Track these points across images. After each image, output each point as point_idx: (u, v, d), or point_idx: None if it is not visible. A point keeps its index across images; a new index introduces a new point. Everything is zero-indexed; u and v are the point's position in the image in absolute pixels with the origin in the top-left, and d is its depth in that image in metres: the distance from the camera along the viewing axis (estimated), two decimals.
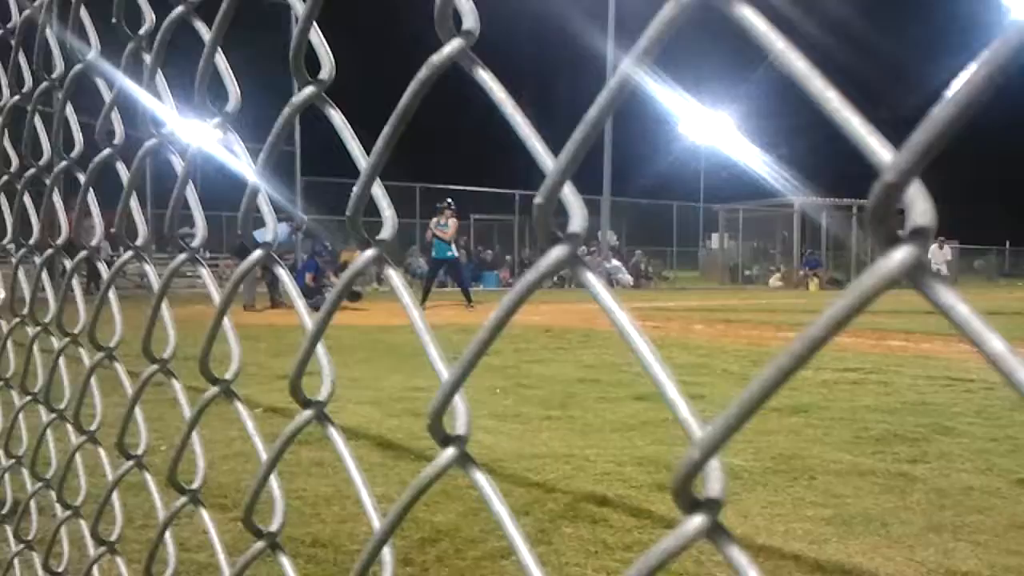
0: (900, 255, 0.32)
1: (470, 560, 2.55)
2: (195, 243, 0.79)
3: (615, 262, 28.73)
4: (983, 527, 2.93)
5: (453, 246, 16.09)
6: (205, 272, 0.83)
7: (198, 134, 0.75)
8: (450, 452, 0.55)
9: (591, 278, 0.45)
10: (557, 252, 0.44)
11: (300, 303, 0.72)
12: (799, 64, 0.35)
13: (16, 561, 1.43)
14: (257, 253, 0.73)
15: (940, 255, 28.48)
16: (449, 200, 16.27)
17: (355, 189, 0.57)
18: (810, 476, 3.59)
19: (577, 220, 0.44)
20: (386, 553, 0.63)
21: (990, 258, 39.79)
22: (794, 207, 30.63)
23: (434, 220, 16.11)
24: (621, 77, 0.40)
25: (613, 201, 29.64)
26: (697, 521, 0.41)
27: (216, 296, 0.76)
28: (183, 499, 0.88)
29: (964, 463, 3.78)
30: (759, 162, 28.44)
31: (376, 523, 0.62)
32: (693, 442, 0.41)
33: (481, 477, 0.53)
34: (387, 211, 0.58)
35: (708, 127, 34.34)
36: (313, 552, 2.62)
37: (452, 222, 15.86)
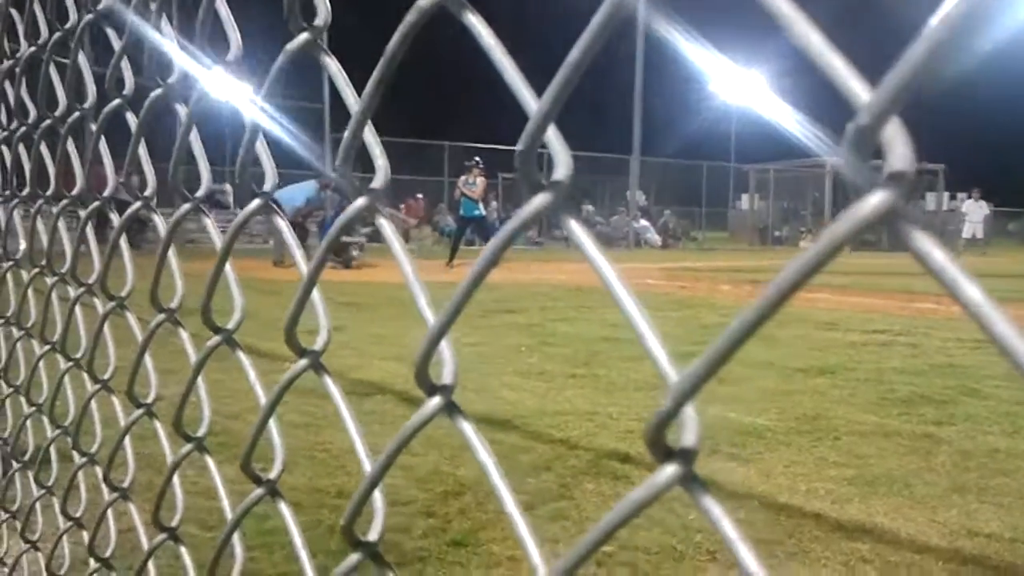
0: (875, 200, 0.31)
1: (491, 513, 2.57)
2: (199, 193, 0.79)
3: (643, 222, 28.56)
4: (1007, 489, 2.91)
5: (481, 204, 16.07)
6: (209, 222, 0.82)
7: (203, 83, 0.74)
8: (436, 401, 0.54)
9: (575, 227, 0.44)
10: (540, 200, 0.43)
11: (299, 254, 0.71)
12: (783, 6, 0.34)
13: (38, 505, 1.47)
14: (255, 202, 0.71)
15: (977, 210, 27.48)
16: (477, 159, 16.21)
17: (345, 136, 0.56)
18: (834, 437, 3.58)
19: (562, 167, 0.43)
20: (377, 497, 0.63)
21: (1022, 221, 39.03)
22: (825, 168, 30.18)
23: (462, 179, 16.08)
24: (604, 15, 0.39)
25: (642, 161, 29.38)
26: (670, 471, 0.41)
27: (219, 244, 0.75)
28: (188, 446, 0.89)
29: (991, 425, 3.74)
30: (791, 121, 27.95)
31: (367, 467, 0.62)
32: (667, 391, 0.40)
33: (468, 427, 0.52)
34: (379, 160, 0.57)
35: (739, 85, 33.72)
36: (337, 503, 2.66)
37: (480, 180, 15.82)
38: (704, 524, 2.55)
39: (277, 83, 0.65)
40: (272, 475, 0.76)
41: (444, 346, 0.52)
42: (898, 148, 0.30)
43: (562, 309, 8.08)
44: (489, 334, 5.94)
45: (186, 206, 0.80)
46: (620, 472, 3.05)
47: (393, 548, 2.26)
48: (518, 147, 0.43)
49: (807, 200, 32.27)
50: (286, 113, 0.73)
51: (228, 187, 20.03)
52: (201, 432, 0.88)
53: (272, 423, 0.74)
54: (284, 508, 0.76)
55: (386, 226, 0.59)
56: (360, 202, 0.58)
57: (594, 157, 28.77)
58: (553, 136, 0.43)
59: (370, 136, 0.57)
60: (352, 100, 0.57)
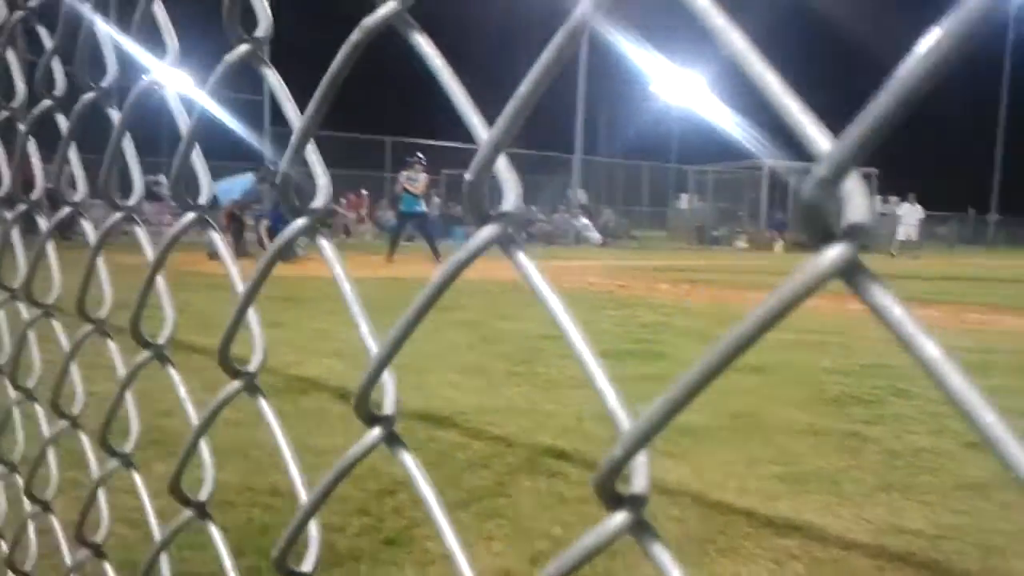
0: (834, 253, 0.30)
1: (425, 512, 2.57)
2: (131, 201, 0.77)
3: (584, 220, 28.77)
4: (932, 487, 3.01)
5: (423, 201, 16.00)
6: (141, 234, 0.80)
7: (139, 87, 0.73)
8: (376, 433, 0.54)
9: (523, 260, 0.44)
10: (487, 232, 0.43)
11: (235, 271, 0.70)
12: (738, 43, 0.34)
13: None
14: (189, 217, 0.70)
15: (912, 213, 28.16)
16: (420, 155, 16.16)
17: (286, 153, 0.55)
18: (766, 435, 3.66)
19: (511, 198, 0.43)
20: (312, 528, 0.63)
21: (952, 225, 40.31)
22: (763, 169, 30.74)
23: (404, 174, 16.00)
24: (554, 50, 0.39)
25: (584, 160, 29.59)
26: (619, 518, 0.40)
27: (151, 255, 0.74)
28: (115, 462, 0.87)
29: (917, 425, 3.86)
30: (731, 123, 28.45)
31: (303, 497, 0.62)
32: (619, 437, 0.40)
33: (409, 459, 0.52)
34: (322, 179, 0.56)
35: (681, 87, 34.23)
36: (271, 502, 2.64)
37: (423, 177, 15.77)
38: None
39: (216, 89, 0.65)
40: (202, 497, 0.76)
41: (386, 376, 0.52)
42: (856, 199, 0.30)
43: (504, 306, 8.10)
44: (430, 331, 5.93)
45: (117, 216, 0.78)
46: (556, 469, 3.07)
47: (327, 548, 2.25)
48: (467, 177, 0.43)
49: (744, 201, 32.83)
50: (225, 105, 0.72)
51: (163, 178, 19.58)
52: (129, 447, 0.86)
53: (203, 443, 0.73)
54: (214, 531, 0.75)
55: (327, 247, 0.58)
56: (300, 223, 0.57)
57: (537, 155, 28.91)
58: (503, 166, 0.43)
59: (312, 155, 0.57)
60: (293, 115, 0.57)
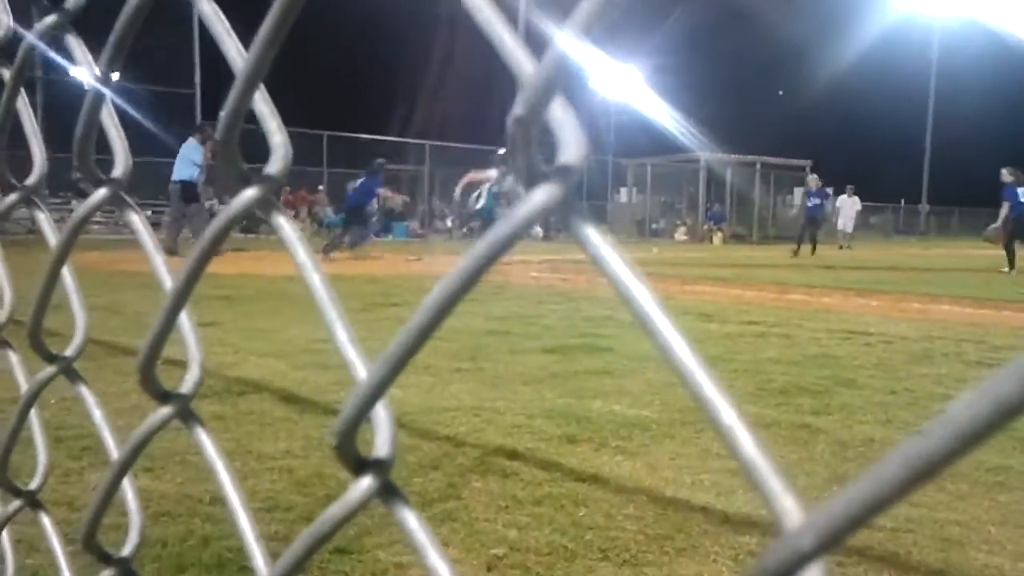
0: (542, 194, 0.30)
1: (376, 518, 2.47)
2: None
3: None
4: None
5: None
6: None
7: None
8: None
9: (281, 222, 0.35)
10: (248, 194, 0.35)
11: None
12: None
13: None
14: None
15: (850, 205, 28.71)
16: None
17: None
18: (717, 428, 3.62)
19: (278, 160, 0.34)
20: (131, 500, 0.53)
21: (886, 215, 41.29)
22: (700, 162, 31.09)
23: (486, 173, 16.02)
24: None
25: None
26: (365, 484, 0.38)
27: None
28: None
29: (865, 415, 3.87)
30: (667, 117, 28.71)
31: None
32: (355, 392, 0.36)
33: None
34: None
35: (618, 81, 34.45)
36: (211, 511, 2.51)
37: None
38: (596, 521, 2.53)
39: (119, 55, 0.53)
40: (33, 486, 0.65)
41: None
42: (568, 138, 0.29)
43: None
44: (372, 328, 5.81)
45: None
46: (509, 469, 2.99)
47: (272, 559, 2.13)
48: (218, 134, 0.36)
49: (683, 194, 33.19)
50: (154, 99, 0.61)
51: (36, 162, 18.86)
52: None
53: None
54: (46, 520, 0.65)
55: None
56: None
57: (477, 150, 28.84)
58: (268, 114, 0.35)
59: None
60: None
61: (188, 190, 14.29)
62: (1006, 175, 15.53)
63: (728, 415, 0.29)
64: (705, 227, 30.78)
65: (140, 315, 5.80)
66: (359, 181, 15.72)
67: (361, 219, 15.53)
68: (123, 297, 6.99)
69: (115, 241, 15.22)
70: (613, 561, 2.28)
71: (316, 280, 0.44)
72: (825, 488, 2.89)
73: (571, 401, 4.03)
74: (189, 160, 14.39)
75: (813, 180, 23.03)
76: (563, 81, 0.30)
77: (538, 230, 28.41)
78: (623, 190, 34.34)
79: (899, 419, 3.73)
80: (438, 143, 31.29)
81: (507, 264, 14.82)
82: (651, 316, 0.31)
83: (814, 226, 21.65)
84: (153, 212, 22.12)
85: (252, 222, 15.16)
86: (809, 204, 22.16)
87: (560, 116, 0.30)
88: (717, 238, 29.27)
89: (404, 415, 3.65)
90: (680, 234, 31.12)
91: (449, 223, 29.21)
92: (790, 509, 0.27)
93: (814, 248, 20.78)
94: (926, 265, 16.96)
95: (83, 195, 0.67)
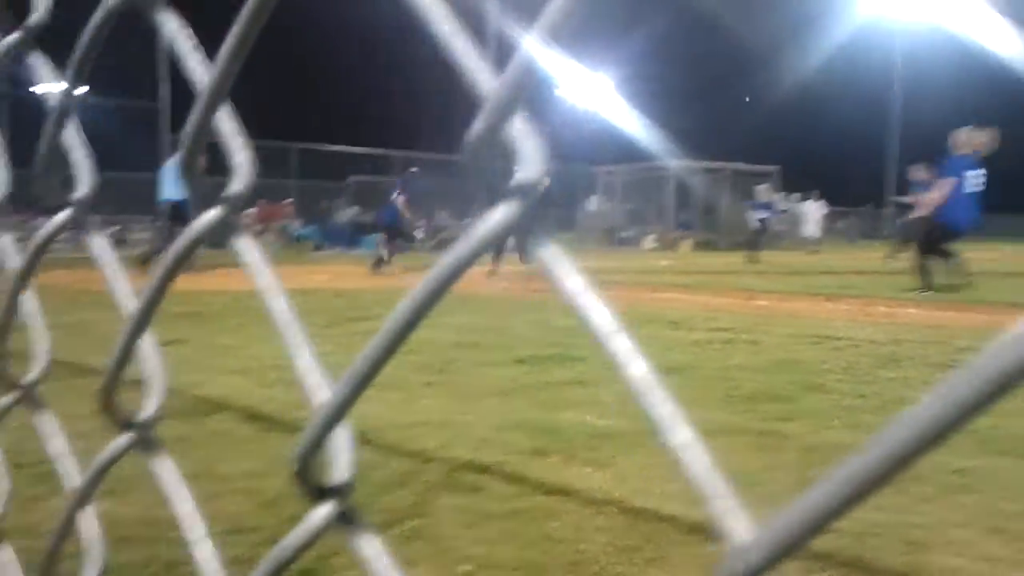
0: (503, 211, 0.30)
1: (343, 540, 2.45)
2: None
3: None
4: None
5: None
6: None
7: None
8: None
9: (245, 246, 0.35)
10: (62, 217, 0.34)
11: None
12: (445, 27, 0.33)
13: None
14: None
15: (816, 210, 28.97)
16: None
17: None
18: (668, 448, 3.62)
19: (241, 179, 0.34)
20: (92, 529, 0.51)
21: (852, 220, 41.71)
22: (669, 171, 31.25)
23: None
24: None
25: None
26: (324, 511, 0.37)
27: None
28: None
29: (833, 420, 3.90)
30: (637, 125, 28.84)
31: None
32: (315, 415, 0.35)
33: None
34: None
35: (587, 89, 34.63)
36: (176, 535, 2.46)
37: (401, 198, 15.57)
38: (565, 534, 2.52)
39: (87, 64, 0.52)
40: None
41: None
42: (527, 153, 0.28)
43: None
44: (339, 343, 5.77)
45: None
46: (477, 484, 2.98)
47: None
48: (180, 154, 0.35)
49: (652, 202, 33.32)
50: (120, 113, 0.60)
51: None
52: None
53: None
54: (5, 552, 0.63)
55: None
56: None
57: (445, 160, 28.87)
58: (232, 132, 0.35)
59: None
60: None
61: (178, 210, 14.07)
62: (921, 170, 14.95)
63: (680, 434, 0.28)
64: (674, 235, 30.93)
65: (107, 335, 5.70)
66: (393, 193, 15.61)
67: (400, 231, 15.51)
68: (90, 316, 6.89)
69: (81, 259, 15.00)
70: (582, 574, 2.28)
71: (277, 305, 0.43)
72: (793, 494, 2.89)
73: (541, 413, 4.03)
74: (176, 178, 14.22)
75: (764, 191, 22.95)
76: (526, 95, 0.30)
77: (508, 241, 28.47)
78: (592, 198, 34.42)
79: (867, 424, 3.76)
80: (409, 153, 31.29)
81: (478, 271, 14.77)
82: (608, 335, 0.32)
83: (757, 235, 21.37)
84: (120, 229, 21.91)
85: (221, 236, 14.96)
86: (756, 215, 21.93)
87: (521, 131, 0.30)
88: (686, 245, 29.42)
89: (371, 431, 3.62)
90: (649, 242, 31.24)
91: (419, 234, 29.15)
92: (739, 526, 0.27)
93: (754, 257, 19.89)
94: (892, 269, 17.16)
95: (46, 212, 0.65)
